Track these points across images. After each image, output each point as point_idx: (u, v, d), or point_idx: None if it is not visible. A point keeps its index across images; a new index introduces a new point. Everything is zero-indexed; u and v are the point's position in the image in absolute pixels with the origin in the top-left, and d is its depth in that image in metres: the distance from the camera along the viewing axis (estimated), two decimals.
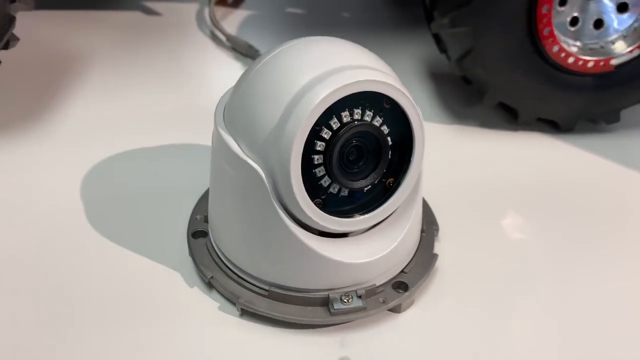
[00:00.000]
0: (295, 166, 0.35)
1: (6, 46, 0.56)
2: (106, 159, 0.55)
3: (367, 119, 0.37)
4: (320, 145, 0.36)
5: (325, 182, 0.37)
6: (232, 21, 0.82)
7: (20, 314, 0.41)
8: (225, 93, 0.42)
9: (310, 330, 0.40)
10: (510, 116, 0.61)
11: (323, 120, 0.36)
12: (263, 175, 0.36)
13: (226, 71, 0.72)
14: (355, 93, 0.36)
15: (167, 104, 0.64)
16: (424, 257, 0.43)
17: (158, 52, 0.74)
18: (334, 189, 0.38)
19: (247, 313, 0.40)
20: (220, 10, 0.83)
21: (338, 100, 0.35)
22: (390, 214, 0.41)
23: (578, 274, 0.46)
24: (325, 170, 0.37)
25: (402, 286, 0.41)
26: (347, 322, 0.40)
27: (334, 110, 0.36)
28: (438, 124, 0.62)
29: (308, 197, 0.36)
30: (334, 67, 0.36)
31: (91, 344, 0.39)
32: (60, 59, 0.70)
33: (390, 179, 0.39)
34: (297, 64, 0.37)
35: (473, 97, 0.64)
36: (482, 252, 0.47)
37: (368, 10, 0.87)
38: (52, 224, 0.48)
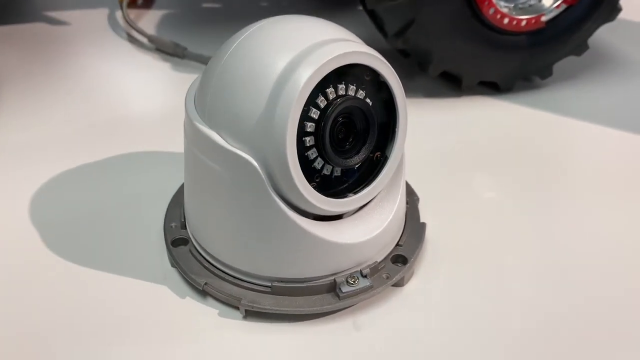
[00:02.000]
0: (291, 150, 0.34)
1: None
2: (50, 181, 0.50)
3: (352, 93, 0.36)
4: (310, 127, 0.35)
5: (319, 163, 0.36)
6: (148, 22, 0.78)
7: None
8: (192, 85, 0.39)
9: (319, 319, 0.39)
10: (453, 83, 0.63)
11: (310, 100, 0.34)
12: (256, 164, 0.34)
13: (153, 74, 0.68)
14: (337, 68, 0.34)
15: (95, 116, 0.60)
16: (413, 227, 0.43)
17: (72, 63, 0.69)
18: (327, 170, 0.37)
19: (252, 313, 0.38)
20: (132, 13, 0.79)
21: (323, 77, 0.34)
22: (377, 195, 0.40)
23: (549, 218, 0.48)
24: (318, 151, 0.36)
25: (400, 259, 0.41)
26: (355, 304, 0.39)
27: (319, 88, 0.34)
28: None
29: (306, 182, 0.35)
30: (312, 43, 0.35)
31: None
32: None
33: (377, 153, 0.39)
34: (273, 44, 0.35)
35: (412, 71, 0.65)
36: (461, 214, 0.48)
37: None
38: (10, 257, 0.43)
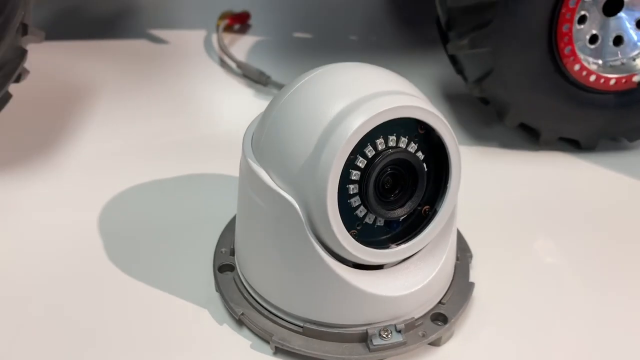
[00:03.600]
0: (332, 197, 0.34)
1: (17, 79, 0.55)
2: (124, 191, 0.53)
3: (402, 145, 0.36)
4: (355, 175, 0.35)
5: (361, 212, 0.36)
6: (240, 47, 0.81)
7: (44, 354, 0.39)
8: (252, 122, 0.40)
9: None
10: (531, 136, 0.61)
11: (358, 149, 0.34)
12: (297, 206, 0.35)
13: (237, 98, 0.71)
14: (392, 120, 0.34)
15: (180, 133, 0.63)
16: (461, 286, 0.42)
17: (166, 80, 0.73)
18: (369, 219, 0.37)
19: (282, 351, 0.39)
20: (227, 37, 0.83)
21: (372, 128, 0.34)
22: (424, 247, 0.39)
23: (614, 296, 0.44)
24: (361, 200, 0.36)
25: (440, 318, 0.40)
26: (386, 358, 0.38)
27: (368, 138, 0.34)
28: (460, 145, 0.61)
29: (345, 229, 0.35)
30: (366, 93, 0.35)
31: None
32: (69, 91, 0.69)
33: (426, 207, 0.38)
34: (328, 92, 0.36)
35: (491, 118, 0.63)
36: (516, 278, 0.46)
37: (376, 33, 0.87)
38: (72, 262, 0.46)
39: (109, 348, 0.39)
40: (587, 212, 0.53)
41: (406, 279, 0.38)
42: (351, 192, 0.35)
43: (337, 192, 0.34)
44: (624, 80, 0.55)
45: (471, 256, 0.45)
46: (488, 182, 0.57)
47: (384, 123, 0.34)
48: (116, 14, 0.90)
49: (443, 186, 0.38)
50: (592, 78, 0.55)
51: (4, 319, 0.41)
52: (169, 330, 0.41)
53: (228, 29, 0.85)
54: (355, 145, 0.34)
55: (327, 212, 0.34)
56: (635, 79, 0.55)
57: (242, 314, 0.40)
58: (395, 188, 0.37)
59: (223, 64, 0.77)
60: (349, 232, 0.36)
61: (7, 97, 0.55)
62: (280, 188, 0.35)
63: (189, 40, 0.83)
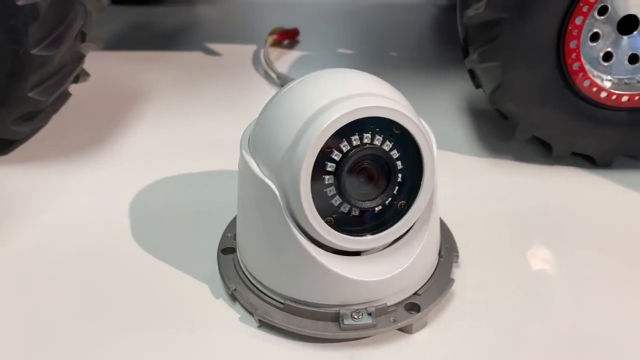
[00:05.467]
0: (305, 184, 0.38)
1: (76, 80, 0.63)
2: (157, 181, 0.60)
3: (377, 143, 0.39)
4: (330, 166, 0.39)
5: (336, 201, 0.40)
6: (286, 61, 0.87)
7: (62, 312, 0.45)
8: (253, 121, 0.45)
9: (323, 344, 0.42)
10: (546, 150, 0.62)
11: (334, 143, 0.38)
12: (277, 192, 0.39)
13: None
14: (367, 118, 0.38)
15: (215, 134, 0.69)
16: (440, 281, 0.44)
17: (214, 88, 0.80)
18: (344, 209, 0.40)
19: (265, 325, 0.43)
20: (275, 52, 0.89)
21: (349, 125, 0.38)
22: (404, 236, 0.42)
23: (599, 307, 0.45)
24: (336, 190, 0.39)
25: (414, 307, 0.42)
26: (357, 339, 0.42)
27: (344, 134, 0.38)
28: (473, 156, 0.64)
29: (317, 214, 0.39)
30: (344, 94, 0.39)
31: (125, 344, 0.42)
32: (126, 94, 0.77)
33: (402, 202, 0.41)
34: (312, 92, 0.40)
35: (509, 132, 0.65)
36: (501, 281, 0.47)
37: (415, 50, 0.90)
38: (102, 236, 0.52)
39: (119, 311, 0.45)
40: (592, 228, 0.53)
41: (380, 266, 0.41)
42: (327, 182, 0.39)
43: (310, 180, 0.38)
44: (637, 98, 0.56)
45: (457, 255, 0.47)
46: (498, 193, 0.58)
47: (360, 121, 0.38)
48: (180, 29, 0.99)
49: (417, 184, 0.41)
50: (603, 94, 0.55)
51: (40, 275, 0.48)
52: (172, 300, 0.46)
53: (277, 44, 0.92)
54: (333, 140, 0.38)
55: (300, 197, 0.38)
56: None
57: (235, 289, 0.44)
58: (370, 182, 0.40)
59: (267, 75, 0.83)
60: (324, 218, 0.39)
61: (67, 95, 0.63)
62: (266, 176, 0.40)
63: (240, 53, 0.90)
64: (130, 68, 0.83)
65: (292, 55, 0.90)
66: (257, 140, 0.42)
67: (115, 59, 0.85)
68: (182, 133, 0.69)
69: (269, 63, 0.83)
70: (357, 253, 0.42)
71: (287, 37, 0.93)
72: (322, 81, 0.41)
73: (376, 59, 0.88)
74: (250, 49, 0.91)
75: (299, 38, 0.94)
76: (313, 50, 0.91)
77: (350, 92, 0.39)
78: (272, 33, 0.90)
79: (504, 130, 0.66)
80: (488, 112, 0.68)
